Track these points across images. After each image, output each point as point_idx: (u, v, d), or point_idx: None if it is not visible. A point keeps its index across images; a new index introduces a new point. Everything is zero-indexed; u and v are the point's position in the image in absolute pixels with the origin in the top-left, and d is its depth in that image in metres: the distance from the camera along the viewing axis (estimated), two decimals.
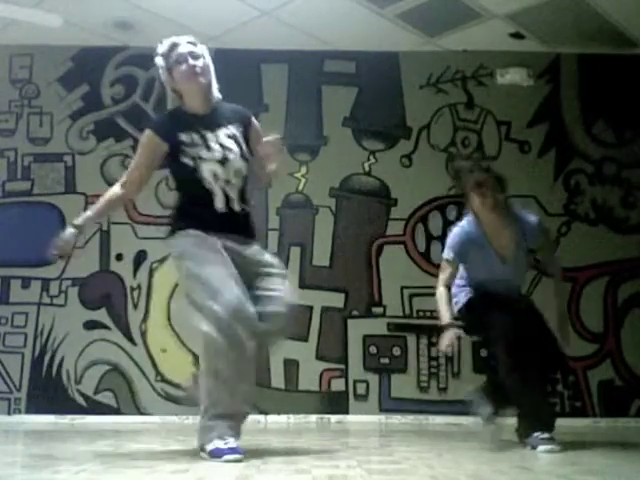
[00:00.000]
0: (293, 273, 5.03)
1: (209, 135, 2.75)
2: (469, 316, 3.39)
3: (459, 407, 4.79)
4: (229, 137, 2.78)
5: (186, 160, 2.72)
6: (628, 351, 4.99)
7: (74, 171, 5.12)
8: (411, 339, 4.95)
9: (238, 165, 2.76)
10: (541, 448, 2.93)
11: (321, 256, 5.07)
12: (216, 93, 2.88)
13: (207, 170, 2.71)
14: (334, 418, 4.80)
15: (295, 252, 5.07)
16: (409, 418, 4.83)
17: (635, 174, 5.22)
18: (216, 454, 2.48)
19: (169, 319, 4.94)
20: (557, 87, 5.29)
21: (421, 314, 4.99)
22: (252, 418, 4.75)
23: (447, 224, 5.08)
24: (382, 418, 4.84)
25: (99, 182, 5.09)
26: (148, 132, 2.79)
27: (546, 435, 3.01)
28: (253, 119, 2.95)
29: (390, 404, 4.87)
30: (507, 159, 5.20)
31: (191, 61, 2.73)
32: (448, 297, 3.34)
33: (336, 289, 5.03)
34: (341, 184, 5.16)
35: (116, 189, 2.86)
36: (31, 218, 5.05)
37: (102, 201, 2.85)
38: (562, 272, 3.59)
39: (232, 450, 2.47)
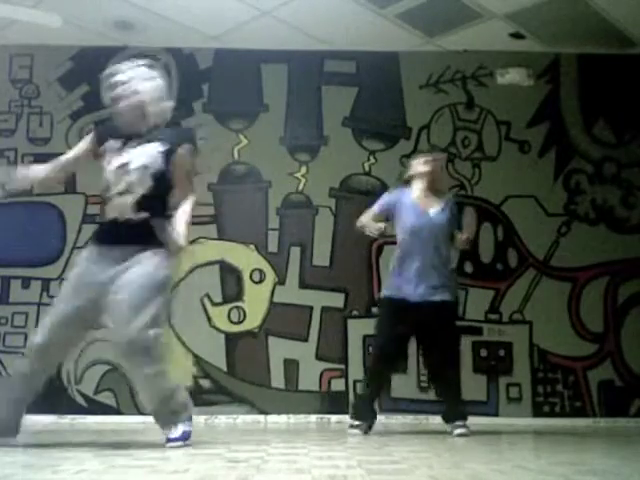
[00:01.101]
0: (293, 273, 5.04)
1: (128, 147, 2.97)
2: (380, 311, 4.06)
3: None
4: (144, 153, 2.95)
5: (103, 163, 3.03)
6: (628, 351, 4.99)
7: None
8: (411, 339, 4.93)
9: (140, 175, 2.91)
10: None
11: (321, 256, 5.07)
12: (156, 119, 3.04)
13: (109, 176, 2.99)
14: (334, 418, 4.80)
15: (295, 252, 5.07)
16: (409, 418, 4.83)
17: (635, 174, 5.22)
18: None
19: (169, 319, 4.94)
20: (557, 87, 5.29)
21: None
22: (252, 418, 4.78)
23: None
24: (382, 418, 4.83)
25: (99, 182, 5.07)
26: (91, 133, 3.18)
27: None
28: (184, 147, 3.01)
29: (390, 404, 4.86)
30: (507, 159, 5.20)
31: (119, 90, 2.98)
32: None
33: (336, 289, 5.03)
34: (341, 184, 5.16)
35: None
36: (31, 218, 5.05)
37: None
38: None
39: None
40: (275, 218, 5.10)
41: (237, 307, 4.97)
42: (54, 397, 4.84)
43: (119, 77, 3.01)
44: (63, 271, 4.97)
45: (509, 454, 2.98)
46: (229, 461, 2.48)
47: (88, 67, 5.22)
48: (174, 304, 4.94)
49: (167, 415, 2.92)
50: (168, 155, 2.97)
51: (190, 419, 3.01)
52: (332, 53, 5.27)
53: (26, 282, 4.98)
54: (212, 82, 5.25)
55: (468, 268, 5.06)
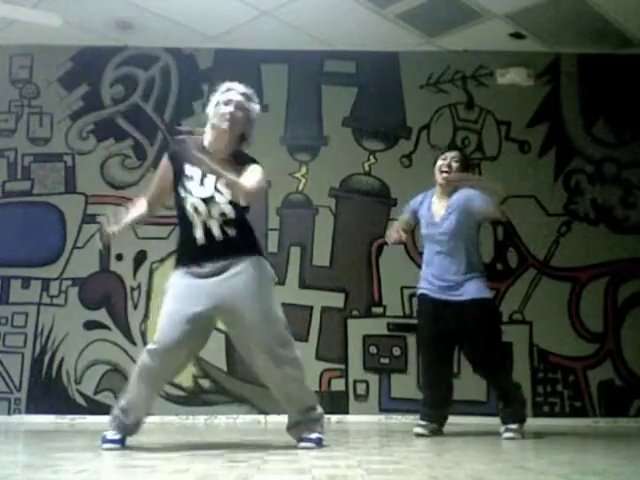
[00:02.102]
0: (293, 273, 5.04)
1: (209, 175, 2.89)
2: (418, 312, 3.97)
3: (459, 407, 4.80)
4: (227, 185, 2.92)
5: (181, 191, 2.95)
6: (628, 351, 4.99)
7: (74, 171, 5.12)
8: (411, 339, 4.94)
9: (223, 209, 2.91)
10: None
11: (321, 256, 5.07)
12: (243, 146, 3.09)
13: (190, 204, 2.91)
14: (334, 418, 4.79)
15: (295, 252, 5.07)
16: (409, 418, 4.82)
17: (635, 174, 5.22)
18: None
19: None
20: (557, 87, 5.29)
21: None
22: (252, 418, 4.78)
23: None
24: (382, 418, 4.84)
25: (99, 182, 5.09)
26: (164, 157, 3.07)
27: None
28: (252, 165, 3.03)
29: (390, 404, 4.87)
30: (507, 159, 5.20)
31: (231, 108, 2.96)
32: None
33: (336, 289, 5.03)
34: (341, 184, 5.16)
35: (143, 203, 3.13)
36: (31, 218, 5.05)
37: (134, 211, 3.11)
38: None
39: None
40: (275, 218, 5.10)
41: None
42: (54, 397, 4.85)
43: (240, 99, 2.99)
44: (63, 271, 4.98)
45: (509, 454, 2.98)
46: (229, 461, 2.48)
47: (88, 67, 5.23)
48: None
49: (308, 420, 3.06)
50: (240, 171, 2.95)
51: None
52: (332, 53, 5.27)
53: (26, 282, 4.98)
54: (212, 82, 5.22)
55: None
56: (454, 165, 3.79)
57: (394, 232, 3.90)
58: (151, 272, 4.99)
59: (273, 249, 5.05)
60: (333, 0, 4.60)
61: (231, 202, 2.90)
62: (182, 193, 2.93)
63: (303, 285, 5.03)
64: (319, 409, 3.10)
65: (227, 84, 3.06)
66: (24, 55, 5.23)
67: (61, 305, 4.95)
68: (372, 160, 5.18)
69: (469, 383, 4.90)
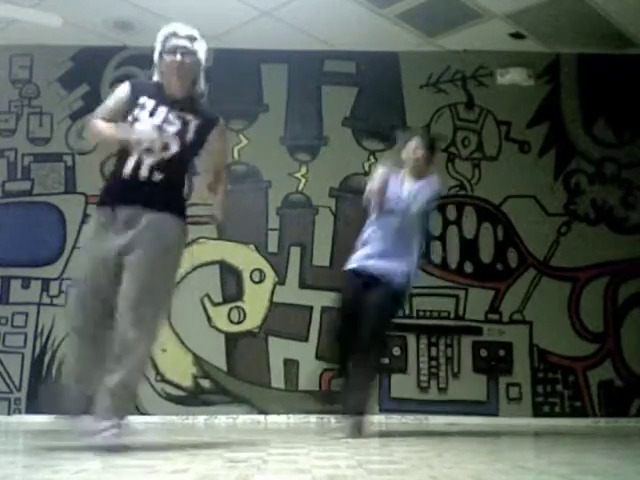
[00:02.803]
0: (293, 273, 5.04)
1: (162, 108, 2.85)
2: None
3: (459, 407, 4.81)
4: (179, 118, 2.85)
5: (129, 118, 2.84)
6: (628, 351, 4.99)
7: (74, 171, 5.12)
8: (411, 339, 4.94)
9: (168, 141, 2.80)
10: None
11: (321, 256, 5.07)
12: (199, 89, 2.98)
13: (134, 134, 2.78)
14: (334, 418, 4.79)
15: (295, 252, 5.07)
16: (409, 418, 4.83)
17: (635, 174, 5.22)
18: None
19: (169, 319, 4.94)
20: (557, 87, 5.29)
21: (421, 314, 4.99)
22: (252, 418, 4.78)
23: (447, 224, 5.09)
24: (382, 418, 4.84)
25: (99, 182, 5.08)
26: (126, 84, 2.96)
27: None
28: (220, 126, 3.01)
29: (390, 404, 4.86)
30: (507, 159, 5.20)
31: (178, 57, 2.85)
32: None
33: (336, 289, 5.01)
34: (341, 184, 5.16)
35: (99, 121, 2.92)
36: (31, 218, 5.05)
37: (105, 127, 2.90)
38: None
39: None
40: (275, 218, 5.10)
41: (237, 307, 4.97)
42: (54, 397, 4.84)
43: (184, 43, 2.89)
44: (63, 271, 4.97)
45: (509, 454, 2.98)
46: (229, 461, 2.48)
47: (88, 67, 5.23)
48: (174, 304, 4.96)
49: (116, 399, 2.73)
50: (203, 130, 2.91)
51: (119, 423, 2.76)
52: (332, 53, 5.27)
53: (26, 282, 4.98)
54: (212, 82, 5.22)
55: (468, 268, 5.06)
56: (420, 153, 3.86)
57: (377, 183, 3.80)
58: None
59: (273, 249, 5.05)
60: (333, 0, 4.60)
61: (179, 135, 2.82)
62: (130, 120, 2.83)
63: (303, 285, 5.03)
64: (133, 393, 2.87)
65: (169, 28, 2.94)
66: (24, 55, 5.23)
67: (61, 305, 4.94)
68: (372, 160, 5.18)
69: (469, 383, 4.92)
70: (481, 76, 5.29)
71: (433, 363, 4.95)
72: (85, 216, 5.04)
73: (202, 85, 2.99)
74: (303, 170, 5.17)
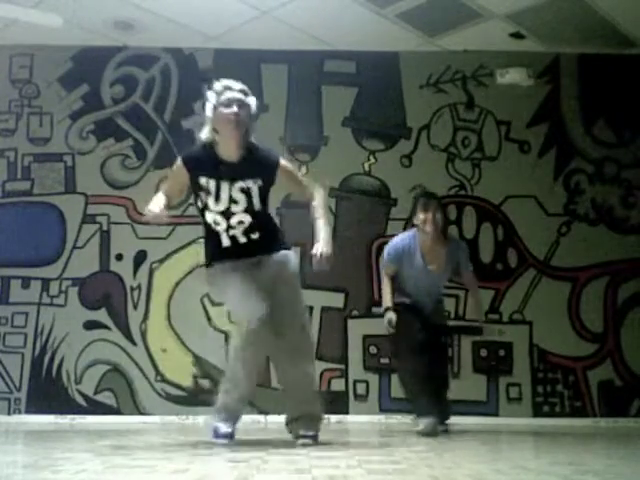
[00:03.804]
0: None
1: (224, 185, 2.96)
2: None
3: (459, 407, 4.80)
4: (242, 191, 2.97)
5: (198, 202, 3.03)
6: (628, 351, 4.99)
7: (74, 171, 5.12)
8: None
9: (241, 218, 2.99)
10: None
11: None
12: (251, 139, 3.07)
13: (210, 217, 3.00)
14: (334, 418, 4.79)
15: (295, 252, 5.05)
16: (409, 418, 4.82)
17: (635, 174, 5.22)
18: None
19: (169, 319, 4.95)
20: (557, 87, 5.29)
21: None
22: (252, 418, 4.78)
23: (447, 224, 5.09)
24: (382, 418, 4.84)
25: (99, 182, 5.09)
26: (179, 161, 3.04)
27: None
28: (282, 163, 3.10)
29: (390, 404, 4.86)
30: (507, 159, 5.20)
31: (235, 108, 2.94)
32: (392, 286, 3.96)
33: (336, 289, 5.03)
34: (341, 184, 5.16)
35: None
36: (31, 218, 5.05)
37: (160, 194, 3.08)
38: (478, 286, 4.24)
39: None
40: (275, 218, 5.09)
41: None
42: (54, 397, 4.85)
43: (240, 96, 2.98)
44: (63, 271, 4.98)
45: (509, 454, 2.98)
46: (229, 461, 2.48)
47: (88, 67, 5.23)
48: (174, 304, 4.97)
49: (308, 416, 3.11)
50: (265, 185, 3.03)
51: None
52: (332, 53, 5.27)
53: (26, 282, 4.98)
54: (212, 82, 5.23)
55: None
56: (438, 217, 3.85)
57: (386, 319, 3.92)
58: (151, 272, 4.99)
59: None
60: (333, 0, 4.60)
61: (246, 210, 2.98)
62: (199, 204, 3.01)
63: (303, 285, 4.96)
64: (320, 406, 3.16)
65: (222, 83, 3.03)
66: (24, 55, 5.23)
67: (61, 305, 4.95)
68: (372, 160, 5.18)
69: (469, 383, 4.92)
70: (481, 76, 5.29)
71: None
72: (85, 216, 5.04)
73: (252, 137, 3.07)
74: (303, 170, 5.16)
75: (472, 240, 5.09)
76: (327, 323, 4.98)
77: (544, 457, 2.82)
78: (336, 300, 5.01)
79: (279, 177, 3.07)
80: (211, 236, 3.07)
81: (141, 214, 4.88)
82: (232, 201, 2.97)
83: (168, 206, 3.05)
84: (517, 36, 5.03)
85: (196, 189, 3.00)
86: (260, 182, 3.00)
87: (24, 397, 4.85)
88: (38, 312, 4.94)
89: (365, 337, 4.96)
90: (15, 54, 5.24)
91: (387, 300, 3.93)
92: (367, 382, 4.91)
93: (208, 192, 2.96)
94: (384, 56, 5.25)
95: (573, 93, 5.29)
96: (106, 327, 4.93)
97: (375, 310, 5.00)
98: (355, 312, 5.01)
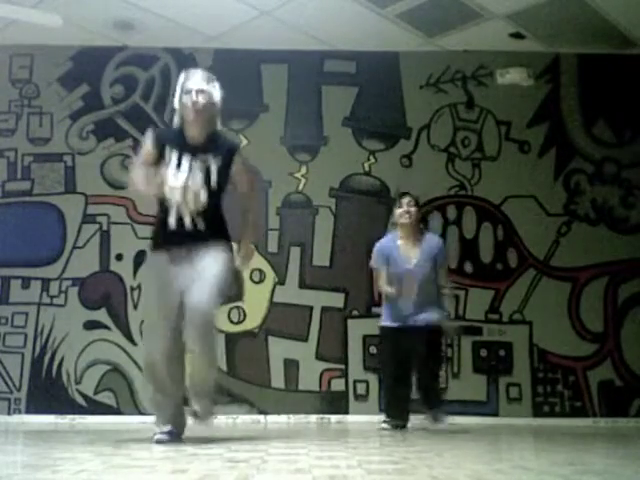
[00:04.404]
0: (293, 273, 5.04)
1: (185, 157, 3.05)
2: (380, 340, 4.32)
3: (459, 407, 4.80)
4: (202, 165, 3.05)
5: (160, 174, 3.04)
6: (628, 351, 4.99)
7: (74, 171, 5.12)
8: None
9: (196, 191, 3.01)
10: None
11: (321, 256, 5.07)
12: (217, 126, 3.20)
13: (167, 188, 3.01)
14: (334, 418, 4.80)
15: (295, 252, 5.07)
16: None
17: (635, 174, 5.22)
18: None
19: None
20: (557, 87, 5.29)
21: None
22: (252, 418, 4.78)
23: (447, 224, 5.09)
24: (382, 418, 4.83)
25: (99, 182, 5.09)
26: (149, 132, 3.18)
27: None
28: (241, 150, 3.25)
29: None
30: (507, 159, 5.20)
31: (194, 97, 3.06)
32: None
33: (336, 289, 5.03)
34: (341, 184, 5.16)
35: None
36: (31, 218, 5.05)
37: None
38: (449, 286, 4.27)
39: None
40: (275, 218, 5.10)
41: (237, 307, 4.97)
42: (54, 397, 4.85)
43: (200, 85, 3.09)
44: (63, 271, 4.98)
45: (509, 454, 2.98)
46: (229, 461, 2.48)
47: (88, 67, 5.23)
48: None
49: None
50: (224, 167, 3.10)
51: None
52: (332, 53, 5.27)
53: (26, 282, 4.98)
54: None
55: (468, 268, 5.07)
56: (412, 210, 4.15)
57: (386, 286, 4.09)
58: None
59: (273, 249, 5.06)
60: (333, 0, 4.60)
61: (203, 185, 3.02)
62: (160, 177, 3.04)
63: (303, 285, 5.03)
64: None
65: (185, 73, 3.16)
66: (24, 55, 5.23)
67: (61, 305, 4.95)
68: (372, 160, 5.18)
69: (469, 383, 4.92)
70: (481, 76, 5.29)
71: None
72: (85, 216, 5.05)
73: (219, 125, 3.20)
74: (303, 170, 5.17)
75: (472, 240, 5.09)
76: (327, 323, 4.98)
77: (544, 457, 2.82)
78: (336, 300, 5.01)
79: (235, 163, 3.15)
80: (161, 217, 3.10)
81: (141, 214, 4.92)
82: (191, 173, 3.02)
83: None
84: (517, 36, 5.03)
85: (161, 155, 3.06)
86: (220, 162, 3.08)
87: (24, 397, 4.85)
88: (38, 312, 4.94)
89: (365, 337, 4.96)
90: (15, 54, 5.24)
91: (387, 289, 4.08)
92: (367, 382, 4.91)
93: (170, 162, 3.03)
94: (384, 56, 5.25)
95: (573, 93, 5.29)
96: (106, 327, 4.93)
97: (375, 310, 5.01)
98: (355, 312, 5.01)
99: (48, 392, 4.85)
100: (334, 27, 4.94)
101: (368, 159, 5.19)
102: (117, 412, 4.82)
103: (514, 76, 5.19)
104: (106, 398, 4.84)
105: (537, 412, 4.90)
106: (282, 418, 4.83)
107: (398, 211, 4.18)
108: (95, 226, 5.03)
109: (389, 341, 4.13)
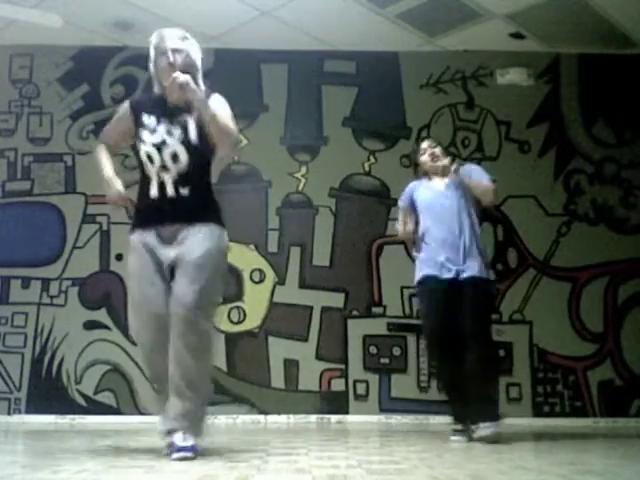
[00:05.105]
0: (293, 273, 5.04)
1: (163, 120, 2.80)
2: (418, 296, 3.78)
3: None
4: (179, 124, 2.79)
5: (137, 141, 2.83)
6: (628, 351, 4.99)
7: (74, 171, 5.13)
8: (411, 339, 4.94)
9: (175, 150, 2.76)
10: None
11: (321, 256, 5.07)
12: (199, 86, 2.89)
13: (144, 152, 2.79)
14: (334, 418, 4.80)
15: (295, 252, 5.07)
16: (409, 418, 4.83)
17: (635, 174, 5.22)
18: None
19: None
20: (557, 87, 5.29)
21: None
22: (252, 418, 4.78)
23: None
24: (382, 418, 4.84)
25: (99, 182, 5.08)
26: (126, 103, 2.93)
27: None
28: (216, 95, 2.91)
29: (390, 404, 4.87)
30: (507, 159, 5.20)
31: (171, 57, 2.80)
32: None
33: (336, 289, 5.03)
34: (341, 184, 5.16)
35: (102, 148, 3.01)
36: (31, 218, 5.05)
37: (104, 160, 3.00)
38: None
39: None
40: (275, 218, 5.10)
41: (237, 307, 4.97)
42: (54, 397, 4.85)
43: (176, 44, 2.83)
44: (63, 271, 4.98)
45: (509, 454, 2.98)
46: (229, 461, 2.48)
47: (88, 67, 5.23)
48: None
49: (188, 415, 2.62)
50: (201, 119, 2.80)
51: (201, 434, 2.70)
52: (332, 53, 5.27)
53: (26, 282, 4.98)
54: (212, 82, 5.23)
55: None
56: (437, 150, 3.76)
57: (402, 225, 3.77)
58: None
59: (273, 249, 5.06)
60: (333, 0, 4.60)
61: (183, 142, 2.77)
62: (137, 143, 2.83)
63: (303, 285, 5.03)
64: (205, 408, 2.74)
65: (157, 32, 2.88)
66: (24, 55, 5.23)
67: (61, 305, 4.95)
68: (372, 160, 5.18)
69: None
70: (481, 76, 5.29)
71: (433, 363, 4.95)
72: (85, 216, 5.04)
73: (201, 84, 2.92)
74: (303, 170, 5.17)
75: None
76: (327, 323, 4.98)
77: (544, 457, 2.82)
78: (336, 300, 5.01)
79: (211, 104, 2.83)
80: (142, 187, 2.86)
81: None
82: (168, 133, 2.78)
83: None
84: (517, 36, 5.03)
85: (138, 129, 2.83)
86: (195, 116, 2.80)
87: (24, 397, 4.85)
88: (38, 312, 4.94)
89: (365, 337, 4.96)
90: (15, 54, 5.24)
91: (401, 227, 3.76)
92: (367, 382, 4.91)
93: (146, 126, 2.81)
94: (384, 56, 5.25)
95: (573, 93, 5.29)
96: (106, 327, 4.93)
97: (375, 310, 5.01)
98: (355, 312, 5.01)
99: (48, 392, 4.85)
100: (334, 27, 4.94)
101: (368, 159, 5.19)
102: (117, 412, 4.82)
103: (514, 76, 5.20)
104: (106, 398, 4.83)
105: (537, 412, 4.90)
106: (282, 418, 4.83)
107: (422, 157, 3.78)
108: (95, 226, 5.03)
109: (428, 299, 3.60)
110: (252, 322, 4.96)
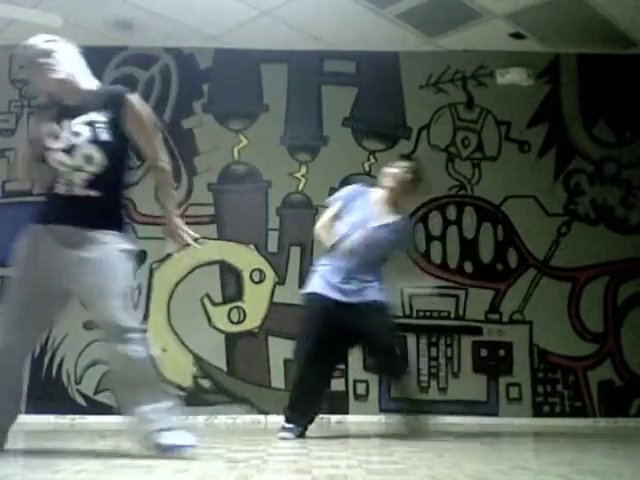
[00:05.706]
0: (293, 273, 5.04)
1: (65, 123, 2.70)
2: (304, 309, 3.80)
3: (459, 407, 4.81)
4: (85, 124, 2.70)
5: (44, 152, 2.72)
6: (628, 351, 4.99)
7: None
8: (411, 339, 4.95)
9: (87, 150, 2.66)
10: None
11: (321, 256, 5.06)
12: (86, 81, 2.94)
13: (53, 160, 2.68)
14: (334, 418, 4.80)
15: (295, 252, 5.07)
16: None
17: (635, 174, 5.22)
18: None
19: (169, 319, 4.94)
20: (557, 87, 5.29)
21: (421, 314, 4.99)
22: (252, 418, 4.78)
23: (447, 224, 5.09)
24: (382, 418, 4.84)
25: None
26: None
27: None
28: (128, 99, 2.87)
29: (390, 404, 4.86)
30: (507, 159, 5.20)
31: (39, 62, 2.80)
32: (330, 225, 3.72)
33: None
34: (341, 184, 5.15)
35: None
36: (31, 218, 5.03)
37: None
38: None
39: None
40: (275, 218, 5.10)
41: (237, 307, 4.97)
42: (54, 397, 4.84)
43: (39, 48, 2.85)
44: None
45: (509, 454, 2.98)
46: (229, 461, 2.48)
47: (88, 67, 5.22)
48: (174, 304, 4.96)
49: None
50: (112, 119, 2.75)
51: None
52: (332, 53, 5.27)
53: None
54: (212, 82, 5.25)
55: (468, 268, 5.06)
56: (403, 176, 3.66)
57: (326, 232, 3.72)
58: (151, 272, 4.98)
59: (273, 249, 5.05)
60: (333, 0, 4.60)
61: (92, 141, 2.67)
62: (45, 157, 2.72)
63: (303, 285, 5.02)
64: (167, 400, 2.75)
65: (20, 50, 2.88)
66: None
67: None
68: (372, 160, 5.18)
69: (469, 383, 4.92)
70: (481, 76, 5.29)
71: (433, 363, 4.95)
72: None
73: (89, 80, 2.96)
74: (303, 170, 5.17)
75: (472, 240, 5.09)
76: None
77: (544, 457, 2.83)
78: None
79: (128, 115, 2.79)
80: (47, 191, 2.81)
81: (141, 214, 4.92)
82: (74, 134, 2.67)
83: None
84: (517, 36, 5.03)
85: (44, 140, 2.71)
86: (105, 116, 2.73)
87: (24, 397, 4.83)
88: None
89: None
90: (15, 54, 5.23)
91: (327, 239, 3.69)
92: (367, 382, 4.91)
93: (50, 135, 2.69)
94: (384, 56, 5.25)
95: (573, 93, 5.29)
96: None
97: None
98: None
99: (48, 392, 4.85)
100: (334, 27, 4.94)
101: (368, 159, 5.18)
102: (117, 412, 4.81)
103: (514, 76, 5.19)
104: (106, 398, 4.82)
105: (537, 412, 4.89)
106: (282, 418, 4.82)
107: (386, 170, 3.70)
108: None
109: (314, 312, 3.72)
110: (252, 322, 4.96)
